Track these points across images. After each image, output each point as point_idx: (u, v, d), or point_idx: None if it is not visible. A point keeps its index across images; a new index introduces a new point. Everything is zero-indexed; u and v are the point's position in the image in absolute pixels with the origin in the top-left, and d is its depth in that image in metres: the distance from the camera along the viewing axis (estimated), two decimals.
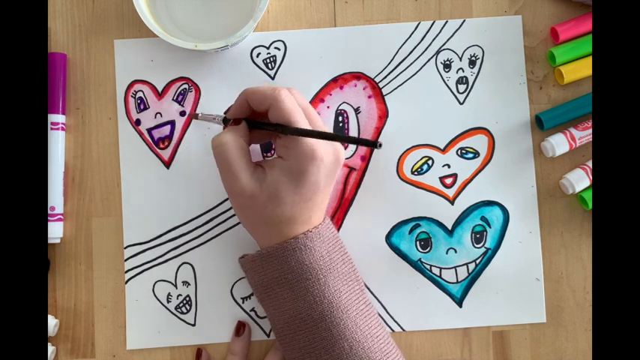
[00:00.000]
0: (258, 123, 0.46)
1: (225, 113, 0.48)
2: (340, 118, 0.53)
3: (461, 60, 0.53)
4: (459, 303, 0.52)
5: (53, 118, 0.51)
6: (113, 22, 0.53)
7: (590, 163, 0.52)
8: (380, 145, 0.39)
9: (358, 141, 0.42)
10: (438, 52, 0.53)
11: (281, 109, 0.44)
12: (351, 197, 0.52)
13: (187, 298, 0.52)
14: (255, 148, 0.52)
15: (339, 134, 0.42)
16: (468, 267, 0.52)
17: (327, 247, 0.46)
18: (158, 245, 0.52)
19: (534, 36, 0.53)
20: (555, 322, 0.52)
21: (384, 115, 0.53)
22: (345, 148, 0.52)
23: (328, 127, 0.53)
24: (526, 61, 0.53)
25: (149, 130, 0.53)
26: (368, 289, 0.52)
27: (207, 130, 0.52)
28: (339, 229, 0.52)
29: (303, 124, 0.44)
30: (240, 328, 0.51)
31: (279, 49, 0.53)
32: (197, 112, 0.52)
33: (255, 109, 0.46)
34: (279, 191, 0.43)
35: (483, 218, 0.52)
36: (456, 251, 0.52)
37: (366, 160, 0.53)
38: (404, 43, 0.53)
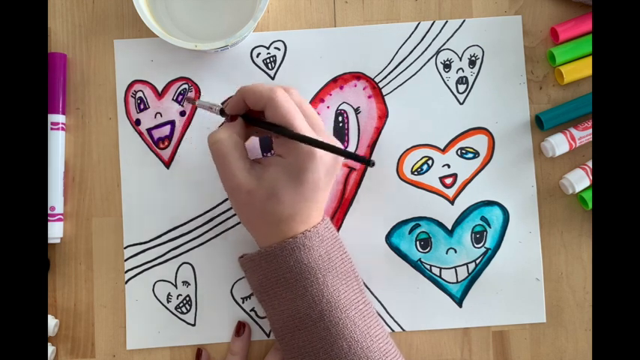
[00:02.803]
0: (256, 120, 0.46)
1: (222, 104, 0.48)
2: (340, 118, 0.53)
3: (461, 60, 0.53)
4: (459, 303, 0.52)
5: (53, 118, 0.51)
6: (113, 22, 0.53)
7: (590, 163, 0.52)
8: (373, 164, 0.40)
9: (352, 156, 0.41)
10: (437, 52, 0.53)
11: (277, 109, 0.43)
12: (351, 197, 0.52)
13: (187, 298, 0.52)
14: (255, 146, 0.52)
15: (335, 146, 0.42)
16: (467, 267, 0.52)
17: (326, 246, 0.46)
18: (158, 245, 0.52)
19: (534, 36, 0.53)
20: (555, 322, 0.52)
21: (383, 115, 0.53)
22: (346, 148, 0.52)
23: (328, 128, 0.53)
24: (526, 61, 0.53)
25: (149, 130, 0.53)
26: (368, 289, 0.52)
27: (206, 130, 0.52)
28: (339, 229, 0.52)
29: (301, 124, 0.43)
30: (240, 328, 0.51)
31: (279, 49, 0.53)
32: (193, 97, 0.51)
33: (252, 108, 0.46)
34: (277, 189, 0.43)
35: (483, 218, 0.52)
36: (455, 251, 0.52)
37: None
38: (404, 43, 0.53)
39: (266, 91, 0.44)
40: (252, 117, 0.46)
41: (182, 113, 0.53)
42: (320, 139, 0.43)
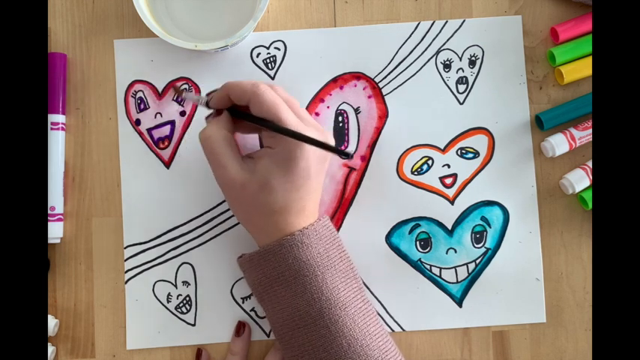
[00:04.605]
0: (241, 113, 0.46)
1: (207, 95, 0.48)
2: (340, 118, 0.53)
3: (461, 60, 0.53)
4: (459, 303, 0.52)
5: (53, 118, 0.51)
6: (113, 22, 0.53)
7: (590, 163, 0.52)
8: (351, 157, 0.42)
9: (331, 149, 0.42)
10: (437, 52, 0.53)
11: (261, 103, 0.44)
12: (351, 197, 0.52)
13: (187, 298, 0.52)
14: (255, 142, 0.52)
15: (314, 139, 0.42)
16: (467, 267, 0.52)
17: (325, 244, 0.46)
18: (158, 245, 0.52)
19: (534, 36, 0.53)
20: (555, 322, 0.52)
21: (383, 115, 0.53)
22: (346, 148, 0.53)
23: (328, 128, 0.53)
24: (526, 61, 0.53)
25: (149, 130, 0.53)
26: (368, 288, 0.52)
27: None
28: (339, 229, 0.52)
29: (287, 116, 0.44)
30: (241, 328, 0.51)
31: (279, 49, 0.53)
32: (182, 88, 0.52)
33: (236, 103, 0.46)
34: (269, 180, 0.44)
35: (483, 218, 0.52)
36: (455, 251, 0.52)
37: (366, 160, 0.53)
38: (404, 43, 0.53)
39: (250, 86, 0.44)
40: (239, 111, 0.47)
41: (182, 113, 0.53)
42: (307, 130, 0.44)
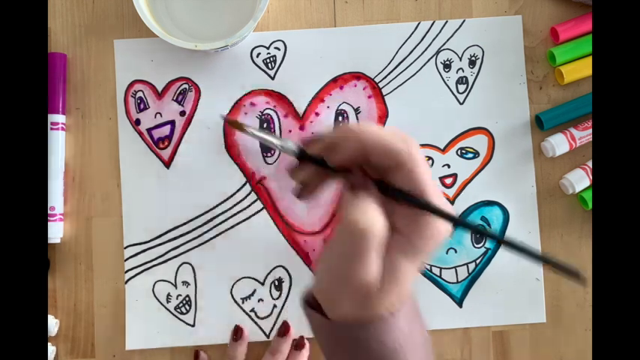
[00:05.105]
0: (398, 192, 0.34)
1: (263, 129, 0.40)
2: (340, 118, 0.53)
3: (461, 60, 0.53)
4: (459, 303, 0.52)
5: (53, 118, 0.51)
6: (113, 22, 0.53)
7: (590, 163, 0.52)
8: (583, 279, 0.33)
9: (557, 266, 0.34)
10: (437, 52, 0.53)
11: (417, 176, 0.33)
12: None
13: (187, 298, 0.52)
14: (255, 148, 0.52)
15: (512, 242, 0.34)
16: (468, 267, 0.52)
17: (410, 324, 0.38)
18: (158, 245, 0.52)
19: (534, 36, 0.53)
20: (555, 322, 0.52)
21: (383, 115, 0.53)
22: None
23: (328, 128, 0.53)
24: (526, 61, 0.53)
25: (149, 130, 0.53)
26: None
27: (206, 129, 0.52)
28: None
29: (434, 191, 0.33)
30: (237, 332, 0.51)
31: (279, 49, 0.53)
32: (245, 123, 0.40)
33: (374, 163, 0.34)
34: (397, 275, 0.34)
35: (483, 218, 0.52)
36: (456, 251, 0.52)
37: None
38: (404, 43, 0.53)
39: (402, 144, 0.33)
40: (394, 187, 0.34)
41: (182, 113, 0.53)
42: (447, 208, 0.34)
